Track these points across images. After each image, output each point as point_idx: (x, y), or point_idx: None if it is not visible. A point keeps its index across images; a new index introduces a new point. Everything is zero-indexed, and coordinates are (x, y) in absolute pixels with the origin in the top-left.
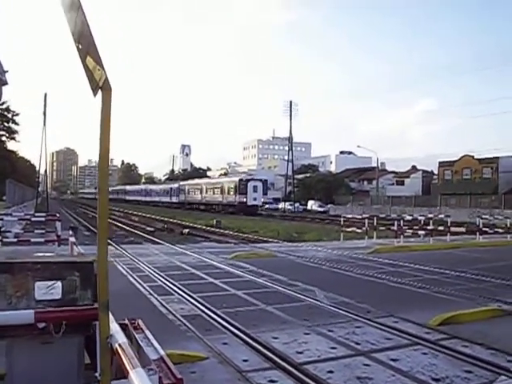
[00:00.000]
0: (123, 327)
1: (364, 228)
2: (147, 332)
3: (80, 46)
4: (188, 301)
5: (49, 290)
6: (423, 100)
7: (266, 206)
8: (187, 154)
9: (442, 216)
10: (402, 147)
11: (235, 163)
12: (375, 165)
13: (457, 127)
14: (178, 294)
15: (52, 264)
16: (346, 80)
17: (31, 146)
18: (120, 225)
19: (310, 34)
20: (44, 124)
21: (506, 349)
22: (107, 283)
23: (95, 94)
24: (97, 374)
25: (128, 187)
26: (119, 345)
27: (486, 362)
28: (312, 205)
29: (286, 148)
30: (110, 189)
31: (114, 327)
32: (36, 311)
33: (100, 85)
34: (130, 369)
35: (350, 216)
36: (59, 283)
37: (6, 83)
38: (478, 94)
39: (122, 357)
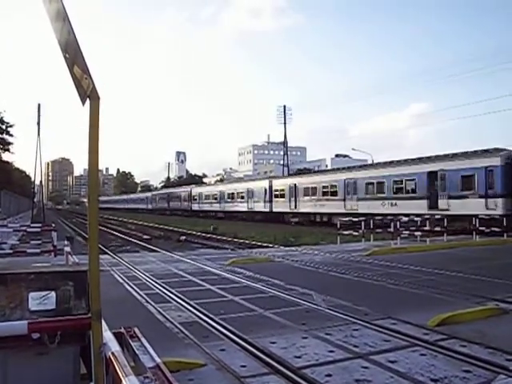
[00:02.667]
0: (119, 336)
1: (361, 231)
2: (143, 340)
3: (67, 56)
4: (185, 308)
5: (43, 300)
6: (415, 103)
7: None
8: (182, 161)
9: (439, 216)
10: (397, 149)
11: (231, 169)
12: None
13: (449, 128)
14: (175, 301)
15: (45, 274)
16: (338, 85)
17: (26, 156)
18: (116, 233)
19: (304, 40)
20: (38, 134)
21: (505, 347)
22: (99, 292)
23: (83, 103)
24: None
25: (199, 189)
26: (112, 353)
27: (484, 361)
28: None
29: (281, 153)
30: (149, 194)
31: (108, 336)
32: (29, 322)
33: (88, 93)
34: (122, 377)
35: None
36: (53, 293)
37: None
38: (468, 95)
39: (115, 365)
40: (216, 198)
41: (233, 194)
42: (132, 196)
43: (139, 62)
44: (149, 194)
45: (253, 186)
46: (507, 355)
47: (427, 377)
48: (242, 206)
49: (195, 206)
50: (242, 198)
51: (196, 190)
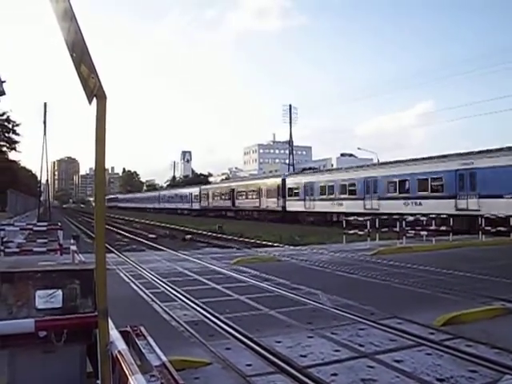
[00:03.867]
0: (125, 334)
1: (366, 230)
2: (149, 338)
3: (74, 55)
4: (191, 307)
5: (49, 298)
6: (421, 102)
7: None
8: (188, 161)
9: (445, 216)
10: (402, 149)
11: (236, 168)
12: None
13: (455, 127)
14: (181, 300)
15: (52, 272)
16: (344, 84)
17: (32, 155)
18: (122, 232)
19: (309, 41)
20: (44, 133)
21: (511, 348)
22: (105, 290)
23: (90, 102)
24: (98, 382)
25: (306, 177)
26: (119, 352)
27: (490, 361)
28: None
29: (287, 152)
30: (194, 189)
31: (114, 334)
32: (36, 320)
33: (94, 92)
34: (129, 375)
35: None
36: (60, 291)
37: (3, 93)
38: (474, 94)
39: (122, 363)
40: (353, 192)
41: (394, 183)
42: (165, 192)
43: (145, 62)
44: (194, 190)
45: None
46: None
47: (433, 376)
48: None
49: (295, 204)
50: (436, 189)
51: (298, 180)
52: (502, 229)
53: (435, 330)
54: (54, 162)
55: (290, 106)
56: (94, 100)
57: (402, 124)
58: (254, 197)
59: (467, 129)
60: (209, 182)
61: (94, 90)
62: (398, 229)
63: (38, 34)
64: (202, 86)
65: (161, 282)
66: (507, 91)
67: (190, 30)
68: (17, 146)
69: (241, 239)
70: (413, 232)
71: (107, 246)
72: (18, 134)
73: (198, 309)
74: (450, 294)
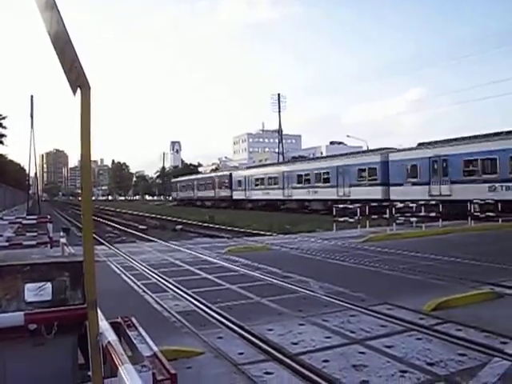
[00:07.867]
0: (116, 325)
1: (356, 217)
2: (140, 329)
3: (57, 46)
4: (182, 297)
5: (39, 291)
6: (411, 89)
7: None
8: (177, 151)
9: (434, 202)
10: (393, 136)
11: (226, 158)
12: None
13: (445, 114)
14: (173, 290)
15: (41, 265)
16: (333, 71)
17: (20, 149)
18: (112, 224)
19: (299, 29)
20: (32, 126)
21: (499, 331)
22: (94, 281)
23: (74, 93)
24: (90, 373)
25: None
26: (109, 342)
27: (479, 344)
28: None
29: (276, 141)
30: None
31: (105, 325)
32: (26, 313)
33: (78, 83)
34: (119, 365)
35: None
36: (49, 284)
37: None
38: (464, 81)
39: (112, 354)
40: None
41: None
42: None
43: (134, 53)
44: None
45: None
46: (502, 338)
47: (423, 361)
48: None
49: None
50: None
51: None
52: (490, 214)
53: (425, 315)
54: (43, 155)
55: (279, 95)
56: (79, 91)
57: (393, 111)
58: (329, 183)
59: (459, 115)
60: (199, 172)
61: (77, 80)
62: (387, 215)
63: (22, 24)
64: (191, 77)
65: (152, 273)
66: (498, 77)
67: (180, 20)
68: (3, 139)
69: (232, 229)
70: (402, 219)
71: (98, 238)
72: (4, 128)
73: (190, 299)
74: (439, 280)
